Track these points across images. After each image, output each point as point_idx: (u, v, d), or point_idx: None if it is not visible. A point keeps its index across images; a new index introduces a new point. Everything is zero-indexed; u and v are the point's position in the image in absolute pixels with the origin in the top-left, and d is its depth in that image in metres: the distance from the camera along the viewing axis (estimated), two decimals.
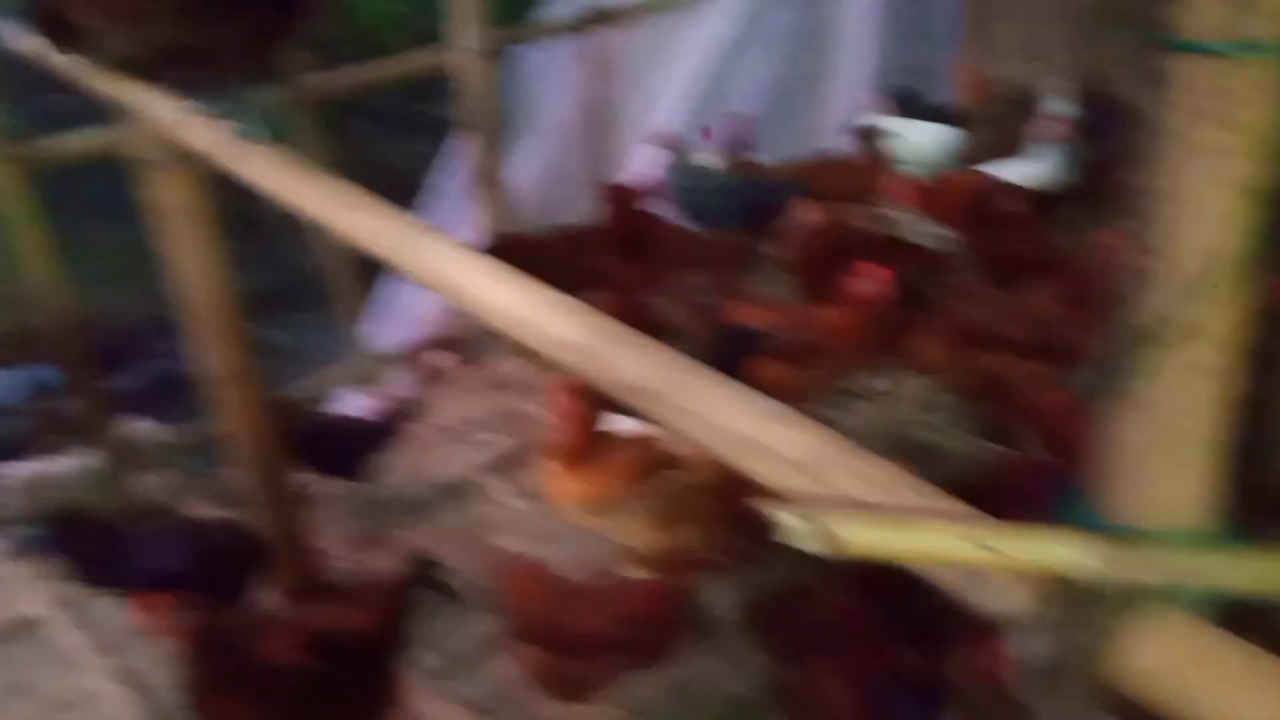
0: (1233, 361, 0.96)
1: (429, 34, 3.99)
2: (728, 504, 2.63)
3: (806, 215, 3.91)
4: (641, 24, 4.56)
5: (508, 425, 4.04)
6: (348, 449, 3.40)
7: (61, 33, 2.22)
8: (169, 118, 2.11)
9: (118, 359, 4.21)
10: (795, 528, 0.98)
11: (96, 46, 2.15)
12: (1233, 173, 0.92)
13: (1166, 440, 0.95)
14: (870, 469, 1.20)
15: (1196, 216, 0.94)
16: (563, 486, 2.64)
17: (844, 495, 1.17)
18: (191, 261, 2.50)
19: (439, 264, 1.61)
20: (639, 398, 1.36)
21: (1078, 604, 0.93)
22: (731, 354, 3.04)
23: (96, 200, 4.50)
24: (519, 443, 3.90)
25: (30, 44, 2.47)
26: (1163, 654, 0.91)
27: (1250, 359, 1.09)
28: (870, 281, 3.19)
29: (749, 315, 3.35)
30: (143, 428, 3.71)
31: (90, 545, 2.79)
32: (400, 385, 4.44)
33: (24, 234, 3.25)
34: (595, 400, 2.74)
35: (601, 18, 4.33)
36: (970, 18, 5.62)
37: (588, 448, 2.61)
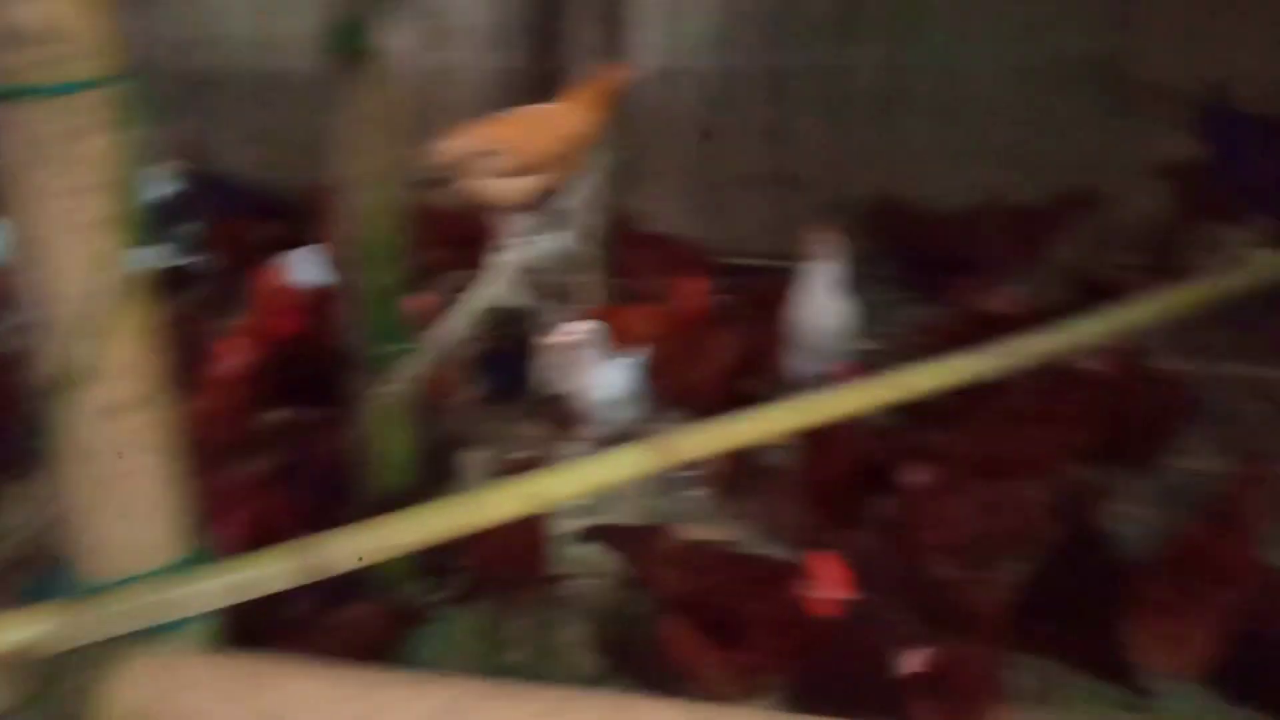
0: (149, 392, 0.95)
1: None
2: None
3: None
4: None
5: None
6: None
7: None
8: None
9: None
10: None
11: None
12: (84, 211, 0.91)
13: (108, 485, 0.93)
14: None
15: (64, 258, 0.92)
16: None
17: None
18: None
19: None
20: None
21: (53, 675, 0.88)
22: None
23: None
24: None
25: None
26: (148, 689, 0.91)
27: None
28: None
29: None
30: None
31: None
32: None
33: None
34: None
35: None
36: None
37: None
